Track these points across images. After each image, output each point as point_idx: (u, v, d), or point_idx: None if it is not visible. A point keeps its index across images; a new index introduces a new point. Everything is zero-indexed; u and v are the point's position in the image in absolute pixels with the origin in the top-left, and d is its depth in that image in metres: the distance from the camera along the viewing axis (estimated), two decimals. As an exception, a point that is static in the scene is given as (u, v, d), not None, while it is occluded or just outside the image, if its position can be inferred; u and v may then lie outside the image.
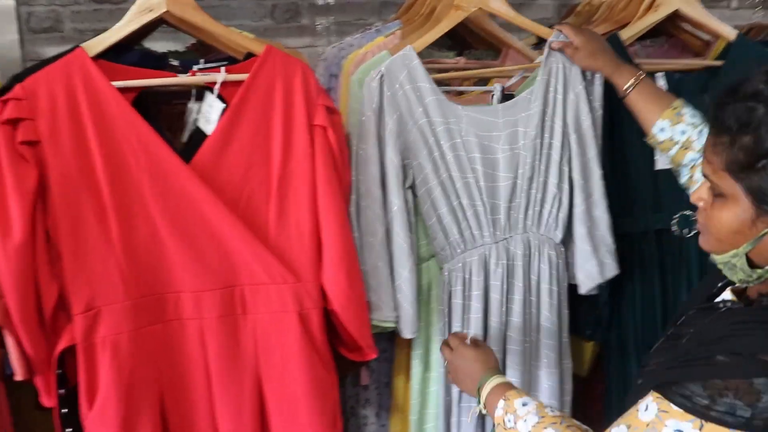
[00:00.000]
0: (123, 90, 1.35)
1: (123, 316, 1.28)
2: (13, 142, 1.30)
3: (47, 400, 1.32)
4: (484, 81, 1.79)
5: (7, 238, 1.25)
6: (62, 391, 1.30)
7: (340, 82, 1.63)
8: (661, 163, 1.72)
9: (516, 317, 1.61)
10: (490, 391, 1.26)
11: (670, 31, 1.93)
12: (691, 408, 0.89)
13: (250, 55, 1.46)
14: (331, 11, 2.28)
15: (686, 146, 1.47)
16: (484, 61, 1.82)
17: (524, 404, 1.18)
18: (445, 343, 1.40)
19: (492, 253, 1.59)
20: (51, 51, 2.01)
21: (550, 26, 2.07)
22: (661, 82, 1.73)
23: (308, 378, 1.31)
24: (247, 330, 1.34)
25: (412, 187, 1.55)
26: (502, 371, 1.49)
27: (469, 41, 1.89)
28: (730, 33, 1.81)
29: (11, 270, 1.24)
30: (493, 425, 1.25)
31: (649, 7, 1.83)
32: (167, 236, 1.32)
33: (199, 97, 1.46)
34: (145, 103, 1.41)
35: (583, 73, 1.61)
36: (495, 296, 1.59)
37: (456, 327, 1.58)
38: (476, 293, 1.58)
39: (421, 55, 1.73)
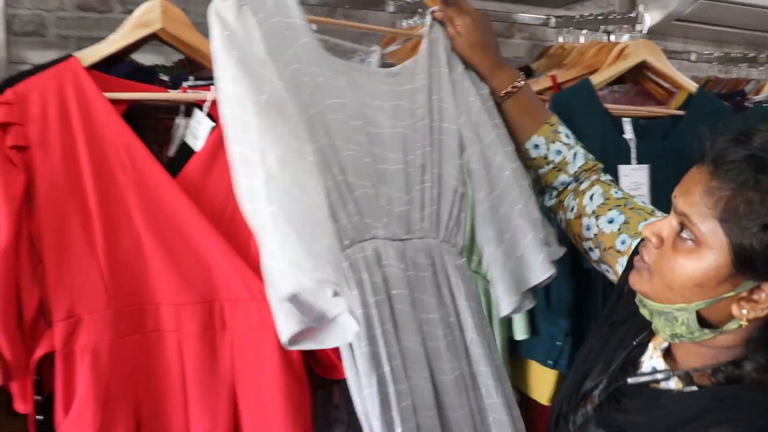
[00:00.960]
0: (114, 102, 1.37)
1: (103, 324, 1.29)
2: (2, 146, 1.31)
3: (23, 406, 1.32)
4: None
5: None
6: (38, 397, 1.30)
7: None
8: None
9: (437, 341, 1.24)
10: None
11: (637, 79, 2.04)
12: None
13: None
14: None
15: (559, 168, 1.36)
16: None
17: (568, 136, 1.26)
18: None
19: (388, 251, 1.22)
20: (34, 55, 2.03)
21: (522, 67, 2.20)
22: (627, 127, 1.83)
23: (283, 393, 1.34)
24: (224, 344, 1.36)
25: None
26: (436, 406, 1.21)
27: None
28: (691, 85, 1.93)
29: (-5, 275, 1.24)
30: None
31: (618, 56, 1.93)
32: (150, 248, 1.34)
33: (188, 114, 1.49)
34: (134, 115, 1.44)
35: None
36: (404, 308, 1.21)
37: (361, 347, 1.16)
38: (379, 299, 1.19)
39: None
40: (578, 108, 1.76)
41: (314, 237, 1.06)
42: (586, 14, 2.23)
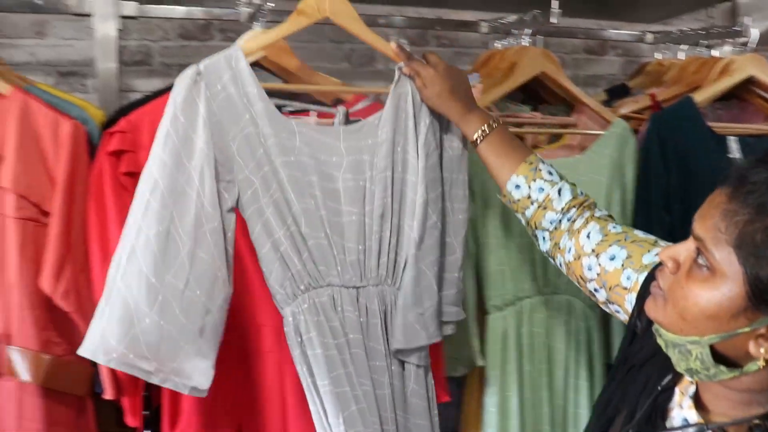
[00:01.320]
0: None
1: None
2: (116, 172, 1.39)
3: (132, 420, 1.38)
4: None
5: (106, 264, 1.32)
6: (147, 412, 1.36)
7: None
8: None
9: (383, 389, 1.30)
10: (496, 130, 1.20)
11: (742, 95, 1.96)
12: None
13: (337, 101, 1.54)
14: (405, 58, 2.35)
15: (545, 206, 1.27)
16: (558, 117, 1.86)
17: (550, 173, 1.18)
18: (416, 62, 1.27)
19: (343, 298, 1.30)
20: (141, 83, 2.12)
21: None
22: (734, 146, 1.76)
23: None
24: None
25: (239, 207, 1.28)
26: None
27: (542, 96, 1.94)
28: (803, 101, 1.83)
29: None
30: None
31: (723, 71, 1.86)
32: (252, 270, 1.38)
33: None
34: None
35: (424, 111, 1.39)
36: (359, 351, 1.29)
37: (324, 384, 1.25)
38: (338, 342, 1.27)
39: (498, 107, 1.80)
40: (681, 127, 1.71)
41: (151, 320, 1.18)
42: (685, 29, 2.16)
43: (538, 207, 1.27)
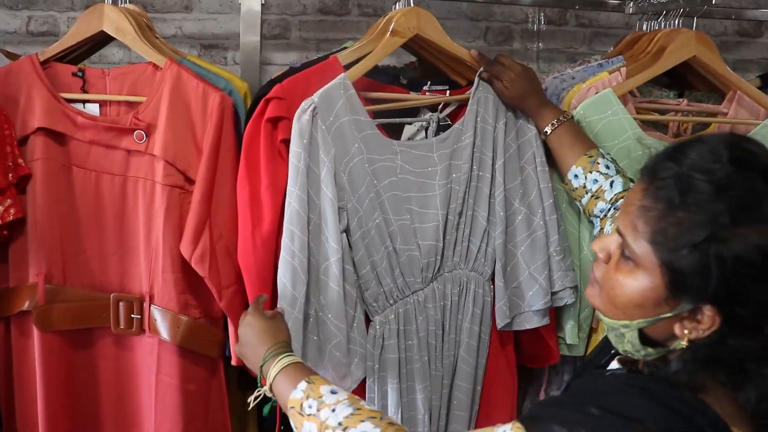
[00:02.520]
0: (366, 100, 1.45)
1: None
2: (273, 139, 1.41)
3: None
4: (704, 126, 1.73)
5: (257, 229, 1.37)
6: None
7: (560, 114, 1.63)
8: None
9: (434, 353, 1.51)
10: (283, 369, 1.09)
11: None
12: None
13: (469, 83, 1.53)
14: (541, 37, 2.28)
15: (597, 195, 1.42)
16: (706, 105, 1.75)
17: (333, 392, 1.04)
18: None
19: (427, 298, 1.48)
20: (278, 56, 2.17)
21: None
22: None
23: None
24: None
25: (346, 233, 1.41)
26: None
27: (690, 81, 1.83)
28: None
29: (257, 260, 1.35)
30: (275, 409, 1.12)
31: None
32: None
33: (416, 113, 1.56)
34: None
35: None
36: (433, 343, 1.50)
37: (392, 383, 1.46)
38: (413, 343, 1.47)
39: (641, 92, 1.71)
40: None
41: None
42: None
43: (591, 196, 1.43)
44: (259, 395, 1.15)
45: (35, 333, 1.48)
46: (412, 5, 1.50)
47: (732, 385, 0.84)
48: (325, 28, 2.21)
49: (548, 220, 1.52)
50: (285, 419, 1.38)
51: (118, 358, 1.54)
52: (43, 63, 1.48)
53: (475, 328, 1.51)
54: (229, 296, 1.43)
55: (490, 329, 1.54)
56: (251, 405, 1.17)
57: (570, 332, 1.61)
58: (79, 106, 1.48)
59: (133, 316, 1.49)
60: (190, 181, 1.44)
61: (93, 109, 1.49)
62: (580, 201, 1.46)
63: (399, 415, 1.47)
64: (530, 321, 1.55)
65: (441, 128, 1.54)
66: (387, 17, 1.49)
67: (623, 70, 1.64)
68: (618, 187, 1.40)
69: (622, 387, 0.88)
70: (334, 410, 1.01)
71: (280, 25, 2.20)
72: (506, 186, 1.51)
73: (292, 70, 1.47)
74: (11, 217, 1.43)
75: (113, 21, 1.47)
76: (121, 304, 1.49)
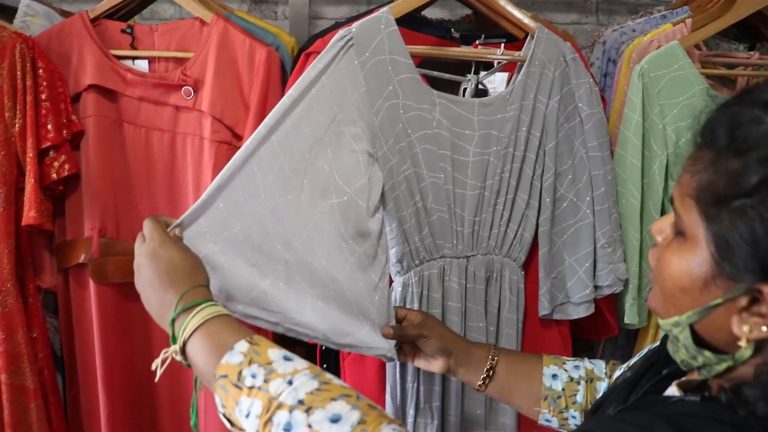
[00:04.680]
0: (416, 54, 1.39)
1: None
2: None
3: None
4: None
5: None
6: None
7: (618, 69, 1.56)
8: None
9: None
10: (206, 323, 0.81)
11: None
12: None
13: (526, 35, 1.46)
14: (602, -14, 2.19)
15: (590, 378, 1.11)
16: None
17: (288, 359, 0.78)
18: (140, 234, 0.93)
19: (452, 268, 1.37)
20: (328, 10, 2.14)
21: None
22: None
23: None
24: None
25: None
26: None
27: (763, 32, 1.72)
28: None
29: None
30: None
31: None
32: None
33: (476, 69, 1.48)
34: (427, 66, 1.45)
35: (568, 76, 1.39)
36: (454, 318, 1.37)
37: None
38: (433, 311, 1.35)
39: (707, 45, 1.63)
40: None
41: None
42: None
43: (586, 382, 1.12)
44: (167, 357, 0.86)
45: (91, 285, 1.53)
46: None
47: None
48: (376, -20, 2.16)
49: (597, 209, 1.43)
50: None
51: (169, 311, 1.57)
52: (93, 20, 1.49)
53: (512, 317, 1.43)
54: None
55: (524, 316, 1.45)
56: (158, 374, 0.88)
57: (629, 311, 1.53)
58: (128, 63, 1.49)
59: (183, 270, 1.52)
60: (238, 137, 1.45)
61: (142, 65, 1.51)
62: (573, 402, 1.11)
63: (414, 387, 1.36)
64: (571, 312, 1.47)
65: (480, 93, 1.43)
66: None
67: (688, 21, 1.56)
68: (599, 362, 1.14)
69: (705, 421, 0.68)
70: (290, 382, 0.75)
71: (332, -22, 2.16)
72: (556, 170, 1.41)
73: (337, 26, 1.45)
74: (66, 173, 1.46)
75: (161, -24, 1.47)
76: (171, 257, 1.52)
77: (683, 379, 0.79)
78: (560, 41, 1.41)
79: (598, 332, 1.59)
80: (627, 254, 1.49)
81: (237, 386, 0.77)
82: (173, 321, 0.83)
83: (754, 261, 0.64)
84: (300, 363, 0.78)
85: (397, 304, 1.34)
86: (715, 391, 0.73)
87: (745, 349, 0.68)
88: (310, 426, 0.72)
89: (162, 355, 0.86)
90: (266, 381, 0.75)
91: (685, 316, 0.71)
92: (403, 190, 1.31)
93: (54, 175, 1.45)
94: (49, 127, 1.43)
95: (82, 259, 1.52)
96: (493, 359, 1.13)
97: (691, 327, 0.72)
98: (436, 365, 1.16)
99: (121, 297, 1.55)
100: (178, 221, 1.01)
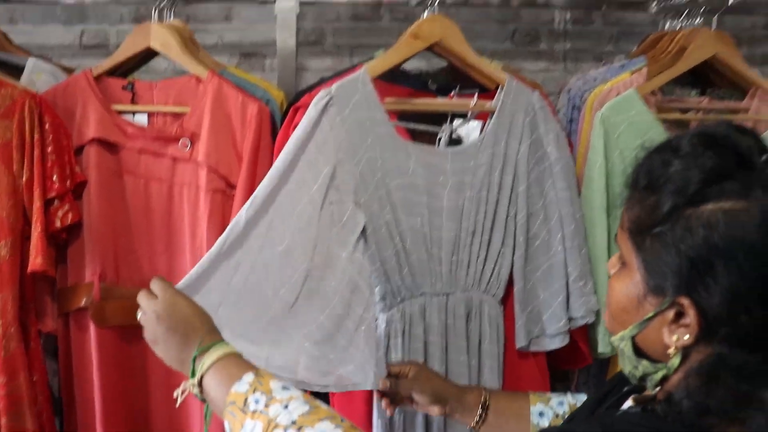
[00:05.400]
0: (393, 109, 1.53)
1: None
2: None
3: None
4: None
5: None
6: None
7: (582, 115, 1.69)
8: None
9: (462, 379, 1.48)
10: (220, 360, 0.95)
11: None
12: None
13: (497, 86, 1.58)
14: (568, 37, 2.34)
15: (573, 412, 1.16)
16: (728, 102, 1.79)
17: (285, 388, 0.91)
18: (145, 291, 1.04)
19: (432, 305, 1.48)
20: (314, 62, 2.26)
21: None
22: None
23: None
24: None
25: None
26: None
27: (712, 79, 1.87)
28: None
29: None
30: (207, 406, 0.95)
31: None
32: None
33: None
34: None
35: (536, 122, 1.51)
36: (435, 353, 1.48)
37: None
38: (418, 346, 1.47)
39: (663, 91, 1.76)
40: None
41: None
42: None
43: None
44: (186, 390, 0.99)
45: (92, 328, 1.60)
46: (436, 11, 1.56)
47: (743, 414, 0.76)
48: (358, 35, 2.30)
49: (568, 246, 1.53)
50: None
51: (167, 351, 1.65)
52: (96, 77, 1.60)
53: (493, 350, 1.52)
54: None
55: (504, 350, 1.54)
56: (178, 402, 1.00)
57: (601, 341, 1.61)
58: (129, 117, 1.60)
59: (181, 311, 1.60)
60: (232, 186, 1.55)
61: (142, 119, 1.61)
62: None
63: (401, 418, 1.46)
64: (547, 344, 1.56)
65: (455, 142, 1.55)
66: (415, 23, 1.56)
67: (644, 70, 1.69)
68: (583, 397, 1.19)
69: (636, 428, 0.78)
70: (286, 407, 0.88)
71: (315, 32, 2.30)
72: (528, 211, 1.52)
73: (323, 81, 1.57)
74: (69, 221, 1.55)
75: (159, 38, 1.58)
76: (169, 300, 1.60)
77: (640, 394, 0.88)
78: (528, 91, 1.54)
79: (572, 362, 1.67)
80: (597, 287, 1.59)
81: (243, 411, 0.90)
82: (194, 359, 0.97)
83: (674, 277, 0.77)
84: (295, 392, 0.92)
85: (382, 339, 1.45)
86: (657, 403, 0.82)
87: (674, 357, 0.80)
88: None
89: (182, 386, 0.99)
90: (267, 406, 0.89)
91: (627, 330, 0.84)
92: (384, 233, 1.44)
93: (58, 224, 1.54)
94: (55, 178, 1.52)
95: (83, 303, 1.60)
96: (484, 403, 1.23)
97: (633, 340, 0.84)
98: (432, 411, 1.26)
99: (121, 339, 1.63)
100: (185, 282, 1.24)
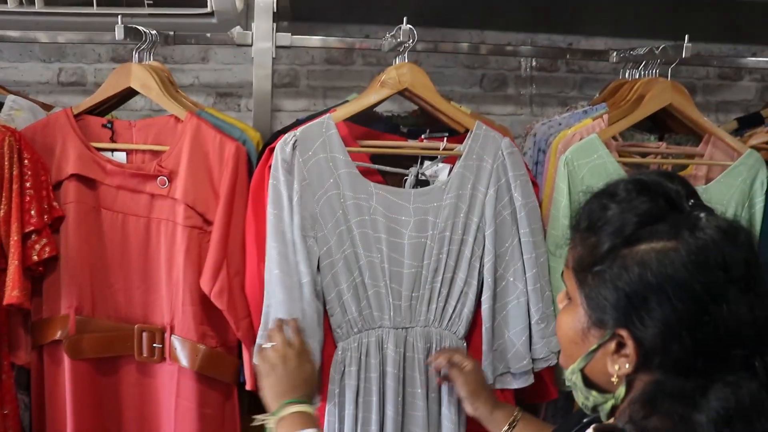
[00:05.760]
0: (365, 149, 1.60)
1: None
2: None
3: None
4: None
5: (261, 264, 1.50)
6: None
7: (547, 158, 1.77)
8: None
9: (418, 411, 1.53)
10: (291, 414, 1.16)
11: None
12: None
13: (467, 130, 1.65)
14: (534, 83, 2.44)
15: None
16: (683, 147, 1.89)
17: None
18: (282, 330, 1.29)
19: (390, 337, 1.53)
20: (288, 103, 2.33)
21: (751, 114, 2.14)
22: None
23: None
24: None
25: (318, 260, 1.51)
26: None
27: (669, 125, 1.97)
28: None
29: (263, 291, 1.50)
30: None
31: None
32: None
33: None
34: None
35: (504, 168, 1.57)
36: (390, 384, 1.51)
37: (349, 410, 1.51)
38: (373, 376, 1.51)
39: (623, 136, 1.85)
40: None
41: None
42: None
43: None
44: (265, 421, 1.23)
45: (66, 360, 1.62)
46: (407, 58, 1.64)
47: None
48: (331, 77, 2.37)
49: (530, 289, 1.58)
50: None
51: (141, 384, 1.67)
52: (76, 115, 1.64)
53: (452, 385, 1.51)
54: (245, 327, 1.57)
55: None
56: (255, 423, 1.28)
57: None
58: (108, 155, 1.64)
59: (155, 345, 1.63)
60: (208, 223, 1.58)
61: (120, 157, 1.65)
62: None
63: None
64: (511, 382, 1.61)
65: (422, 183, 1.62)
66: (385, 71, 1.64)
67: (605, 116, 1.78)
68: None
69: None
70: None
71: (290, 75, 2.36)
72: (496, 253, 1.57)
73: (298, 123, 1.63)
74: (46, 255, 1.57)
75: (139, 78, 1.63)
76: (144, 334, 1.63)
77: (601, 423, 0.93)
78: (498, 136, 1.60)
79: (539, 396, 1.71)
80: (560, 324, 1.65)
81: None
82: (282, 406, 1.19)
83: (612, 311, 0.84)
84: None
85: (338, 366, 1.51)
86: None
87: (620, 386, 0.87)
88: None
89: (263, 417, 1.24)
90: None
91: (576, 363, 0.90)
92: (341, 266, 1.51)
93: (35, 257, 1.56)
94: (32, 212, 1.55)
95: (58, 335, 1.61)
96: (513, 422, 1.33)
97: (582, 372, 0.91)
98: (465, 405, 1.42)
99: (95, 372, 1.65)
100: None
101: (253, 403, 1.68)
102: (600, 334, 0.87)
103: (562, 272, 0.94)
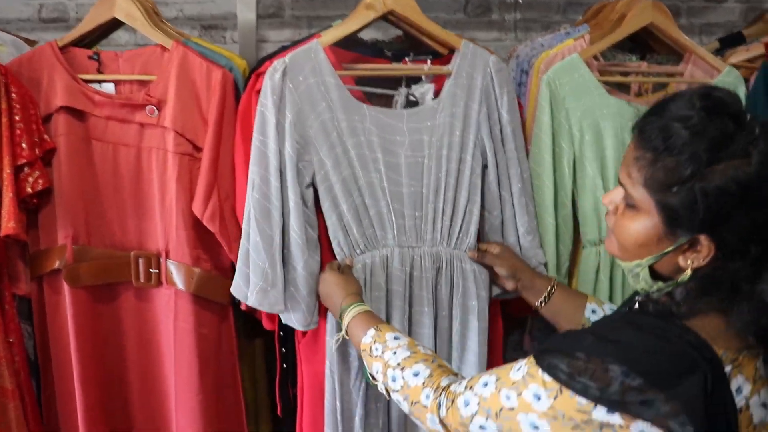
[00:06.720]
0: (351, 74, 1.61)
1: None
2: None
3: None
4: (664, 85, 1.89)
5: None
6: (282, 319, 1.58)
7: (530, 79, 1.79)
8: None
9: (425, 329, 1.56)
10: (354, 317, 1.35)
11: None
12: (552, 376, 0.95)
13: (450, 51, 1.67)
14: (518, 8, 2.44)
15: None
16: (665, 66, 1.91)
17: (396, 338, 1.26)
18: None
19: (395, 256, 1.55)
20: (273, 34, 2.32)
21: (732, 34, 2.16)
22: None
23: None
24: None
25: (314, 184, 1.52)
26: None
27: (651, 45, 1.98)
28: None
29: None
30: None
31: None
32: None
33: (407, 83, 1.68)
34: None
35: (492, 85, 1.60)
36: (396, 302, 1.54)
37: None
38: (377, 294, 1.53)
39: (605, 56, 1.87)
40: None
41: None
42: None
43: None
44: (339, 338, 1.44)
45: (66, 289, 1.66)
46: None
47: (727, 305, 0.97)
48: (316, 6, 2.37)
49: (516, 203, 1.63)
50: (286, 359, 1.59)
51: (139, 309, 1.73)
52: (62, 48, 1.64)
53: (469, 303, 1.57)
54: (237, 249, 1.59)
55: (484, 305, 1.60)
56: (335, 346, 1.48)
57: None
58: (95, 86, 1.65)
59: (151, 270, 1.67)
60: (198, 149, 1.61)
61: (109, 88, 1.66)
62: None
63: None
64: (505, 293, 1.64)
65: (412, 104, 1.63)
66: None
67: (587, 37, 1.80)
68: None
69: (616, 321, 1.05)
70: (395, 353, 1.23)
71: (274, 5, 2.35)
72: (489, 168, 1.60)
73: (283, 49, 1.64)
74: (39, 187, 1.61)
75: (123, 8, 1.63)
76: (140, 260, 1.68)
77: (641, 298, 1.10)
78: (486, 53, 1.62)
79: (526, 309, 1.75)
80: (544, 238, 1.69)
81: (370, 355, 1.28)
82: (341, 317, 1.40)
83: (693, 221, 0.96)
84: (403, 340, 1.26)
85: None
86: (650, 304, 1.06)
87: (684, 275, 1.00)
88: (403, 378, 1.20)
89: (337, 336, 1.46)
90: (383, 352, 1.25)
91: (645, 260, 1.03)
92: (340, 188, 1.52)
93: (29, 189, 1.59)
94: (24, 145, 1.57)
95: (57, 265, 1.66)
96: (551, 289, 1.51)
97: (649, 266, 1.04)
98: (508, 285, 1.57)
99: (95, 299, 1.69)
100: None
101: (249, 324, 1.76)
102: (675, 238, 0.99)
103: (620, 181, 1.05)
